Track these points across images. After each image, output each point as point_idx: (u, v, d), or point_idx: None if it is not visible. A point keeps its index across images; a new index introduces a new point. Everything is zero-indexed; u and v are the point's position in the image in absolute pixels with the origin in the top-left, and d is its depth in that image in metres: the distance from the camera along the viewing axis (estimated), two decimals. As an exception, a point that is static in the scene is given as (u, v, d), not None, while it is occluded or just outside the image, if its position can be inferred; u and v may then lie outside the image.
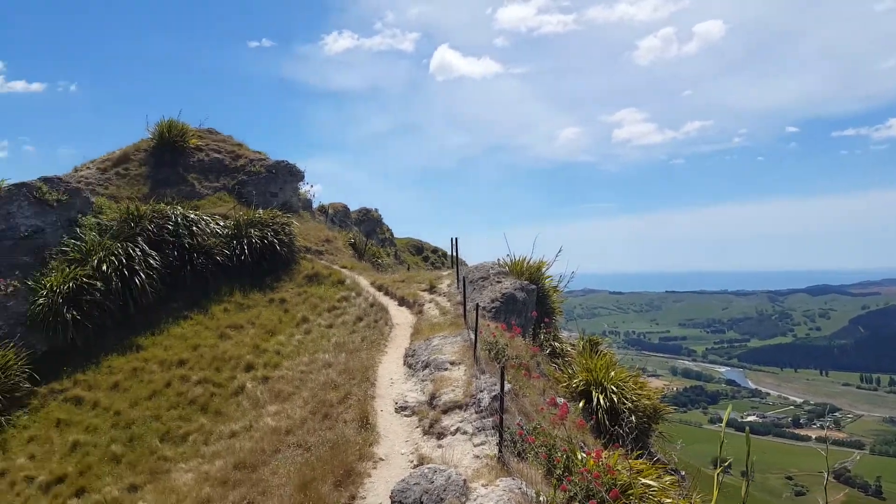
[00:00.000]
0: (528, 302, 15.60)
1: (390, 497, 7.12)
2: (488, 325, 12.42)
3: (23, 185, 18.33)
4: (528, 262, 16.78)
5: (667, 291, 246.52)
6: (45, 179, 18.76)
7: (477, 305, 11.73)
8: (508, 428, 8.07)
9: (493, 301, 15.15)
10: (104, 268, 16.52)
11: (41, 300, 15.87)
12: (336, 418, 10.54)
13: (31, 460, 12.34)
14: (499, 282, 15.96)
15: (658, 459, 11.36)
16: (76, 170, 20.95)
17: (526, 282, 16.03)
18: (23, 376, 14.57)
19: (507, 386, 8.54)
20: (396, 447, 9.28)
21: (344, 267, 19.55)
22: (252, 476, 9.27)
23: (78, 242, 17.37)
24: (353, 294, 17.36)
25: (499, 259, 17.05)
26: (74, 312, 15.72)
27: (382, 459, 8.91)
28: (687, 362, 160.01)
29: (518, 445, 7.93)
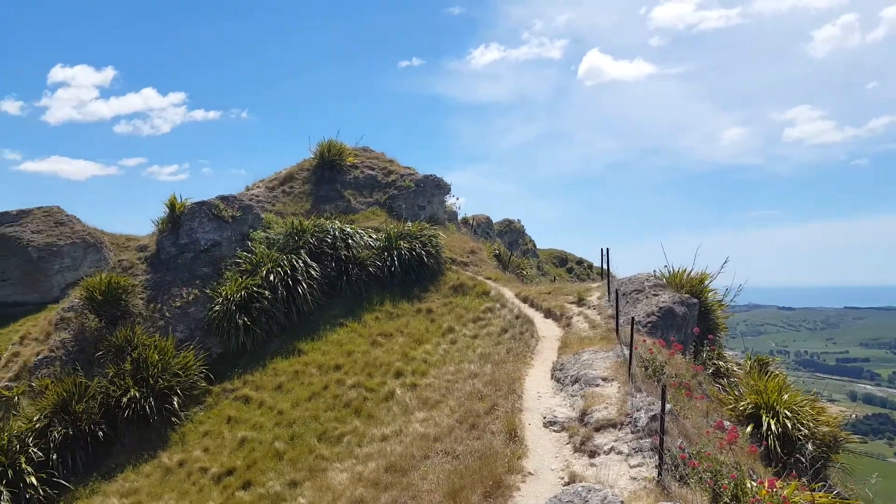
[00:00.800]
0: (689, 317, 14.59)
1: (541, 512, 6.89)
2: (644, 341, 11.76)
3: (203, 203, 20.41)
4: (689, 275, 15.71)
5: (846, 307, 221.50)
6: (222, 198, 20.76)
7: (632, 319, 11.13)
8: (669, 450, 7.55)
9: (648, 315, 14.33)
10: (271, 278, 17.86)
11: (217, 307, 17.47)
12: (483, 429, 10.46)
13: (205, 453, 13.54)
14: (655, 295, 15.09)
15: (838, 494, 10.05)
16: (248, 188, 23.01)
17: (686, 295, 15.00)
18: (200, 376, 16.10)
19: (668, 406, 7.98)
20: (545, 462, 9.01)
21: (488, 278, 19.58)
22: (402, 480, 9.41)
23: (249, 255, 18.96)
24: (498, 305, 17.28)
25: (654, 270, 16.13)
26: (245, 318, 17.13)
27: (531, 474, 8.69)
28: (869, 387, 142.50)
29: (680, 469, 7.42)
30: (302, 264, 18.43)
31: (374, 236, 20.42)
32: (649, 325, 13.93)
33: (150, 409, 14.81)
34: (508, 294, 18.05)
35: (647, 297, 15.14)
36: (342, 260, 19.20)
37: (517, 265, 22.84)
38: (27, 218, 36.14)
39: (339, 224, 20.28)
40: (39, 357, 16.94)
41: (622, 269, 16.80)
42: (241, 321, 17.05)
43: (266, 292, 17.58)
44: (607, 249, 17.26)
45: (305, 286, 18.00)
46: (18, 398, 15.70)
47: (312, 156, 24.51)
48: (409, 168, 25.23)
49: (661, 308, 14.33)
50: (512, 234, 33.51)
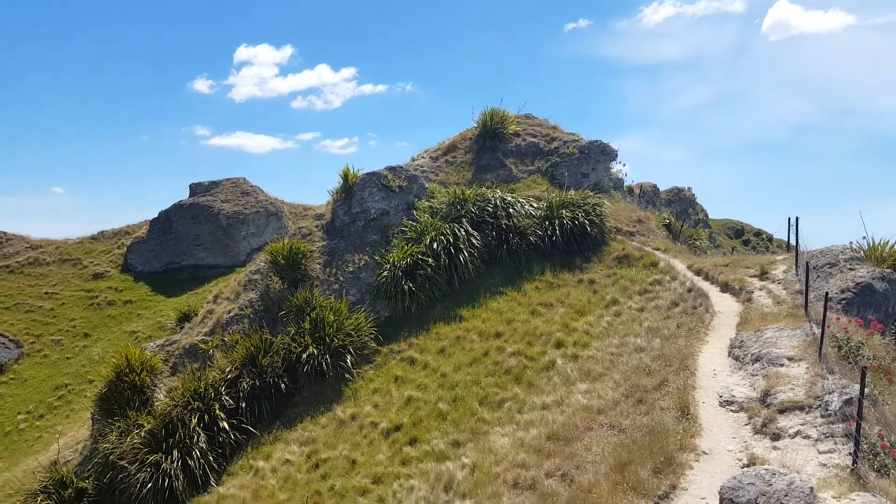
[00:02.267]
0: (891, 294, 12.72)
1: (719, 493, 6.35)
2: (837, 319, 10.43)
3: (373, 174, 21.32)
4: (892, 247, 13.66)
5: None
6: (390, 169, 21.54)
7: (825, 295, 9.88)
8: (866, 437, 6.65)
9: (842, 291, 12.70)
10: (435, 246, 18.28)
11: (385, 273, 18.24)
12: (652, 404, 9.89)
13: (375, 409, 14.23)
14: (851, 269, 13.33)
15: None
16: (413, 159, 23.69)
17: (888, 270, 13.09)
18: (370, 337, 16.95)
19: (866, 390, 7.00)
20: (721, 443, 8.33)
21: (657, 249, 18.47)
22: (565, 449, 9.18)
23: (414, 223, 19.54)
24: (668, 278, 16.25)
25: (851, 242, 14.22)
26: (410, 284, 17.72)
27: (706, 453, 8.07)
28: None
29: (879, 458, 6.55)
30: (463, 233, 18.63)
31: (535, 205, 20.10)
32: (843, 302, 12.37)
33: (325, 365, 15.88)
34: (679, 266, 16.91)
35: (841, 272, 13.43)
36: (502, 229, 19.13)
37: (689, 236, 21.32)
38: (217, 189, 40.46)
39: (499, 193, 20.21)
40: (230, 314, 18.74)
41: (809, 241, 14.94)
42: (406, 287, 17.66)
43: (429, 259, 18.02)
44: (796, 219, 15.50)
45: (466, 254, 18.19)
46: (213, 351, 17.52)
47: (475, 125, 24.61)
48: (572, 134, 24.46)
49: (857, 284, 12.66)
50: (681, 202, 31.47)
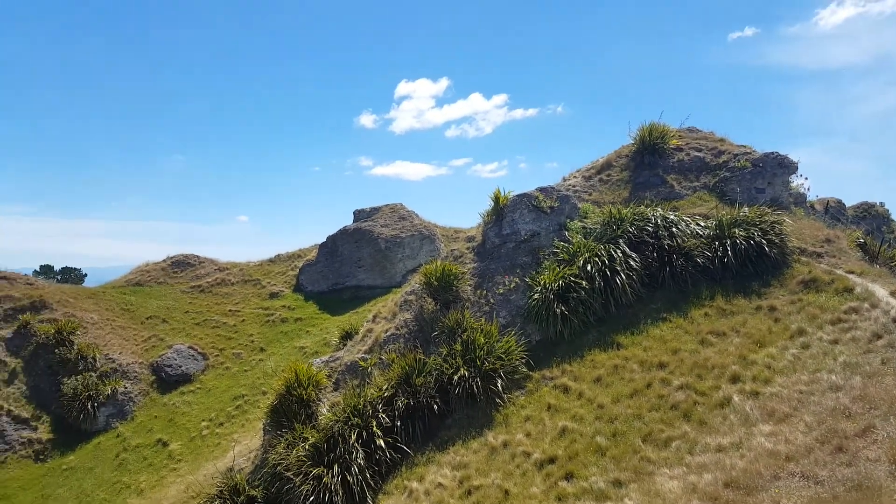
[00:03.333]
0: None
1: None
2: None
3: (523, 195, 20.96)
4: None
5: None
6: (541, 189, 21.05)
7: None
8: None
9: None
10: (588, 268, 17.42)
11: (536, 295, 17.68)
12: (855, 454, 8.41)
13: (527, 437, 13.66)
14: None
15: None
16: (564, 179, 22.99)
17: None
18: (521, 361, 16.43)
19: None
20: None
21: (850, 272, 16.11)
22: (747, 500, 8.02)
23: (566, 244, 18.83)
24: (867, 305, 14.05)
25: None
26: (563, 307, 17.00)
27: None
28: None
29: None
30: (620, 254, 17.58)
31: (702, 224, 18.49)
32: None
33: (476, 388, 15.62)
34: (880, 292, 14.59)
35: None
36: (664, 250, 17.79)
37: (889, 257, 18.43)
38: (377, 214, 42.42)
39: (660, 211, 18.87)
40: (387, 334, 19.19)
41: None
42: (558, 310, 16.97)
43: (583, 282, 17.20)
44: None
45: (624, 277, 17.11)
46: (371, 369, 18.00)
47: (632, 141, 23.38)
48: (743, 146, 22.34)
49: None
50: (873, 220, 27.59)
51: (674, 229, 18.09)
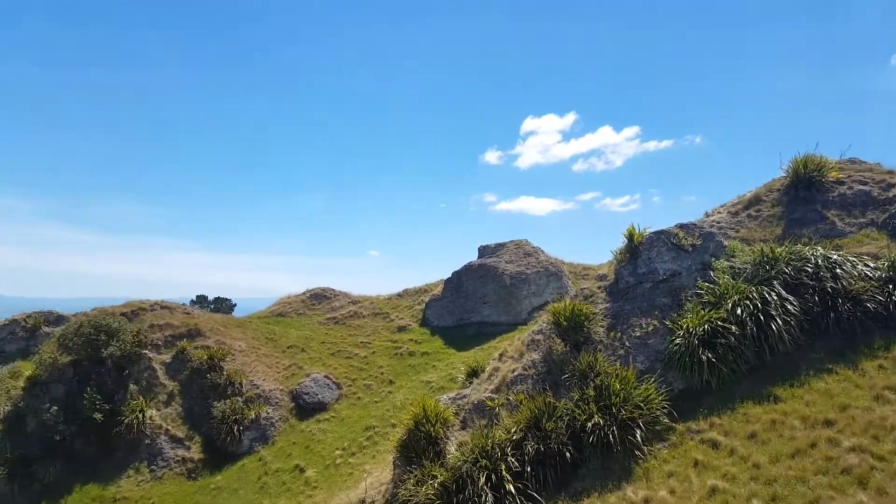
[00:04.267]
0: None
1: None
2: None
3: (661, 232, 19.92)
4: None
5: None
6: (681, 226, 19.91)
7: None
8: None
9: None
10: (738, 311, 16.10)
11: (678, 340, 16.57)
12: None
13: (671, 495, 12.63)
14: None
15: None
16: (707, 215, 21.63)
17: None
18: (662, 411, 15.35)
19: None
20: None
21: None
22: None
23: (711, 286, 17.57)
24: None
25: None
26: (709, 354, 15.78)
27: None
28: None
29: None
30: (775, 297, 16.10)
31: (871, 265, 16.55)
32: None
33: (613, 438, 14.77)
34: None
35: None
36: (827, 293, 16.06)
37: None
38: (502, 250, 42.27)
39: (821, 250, 17.13)
40: (514, 374, 18.78)
41: None
42: (704, 357, 15.77)
43: (732, 327, 15.89)
44: None
45: (780, 322, 15.61)
46: (499, 409, 17.63)
47: (784, 174, 21.60)
48: (919, 178, 19.91)
49: None
50: None
51: (838, 270, 16.33)
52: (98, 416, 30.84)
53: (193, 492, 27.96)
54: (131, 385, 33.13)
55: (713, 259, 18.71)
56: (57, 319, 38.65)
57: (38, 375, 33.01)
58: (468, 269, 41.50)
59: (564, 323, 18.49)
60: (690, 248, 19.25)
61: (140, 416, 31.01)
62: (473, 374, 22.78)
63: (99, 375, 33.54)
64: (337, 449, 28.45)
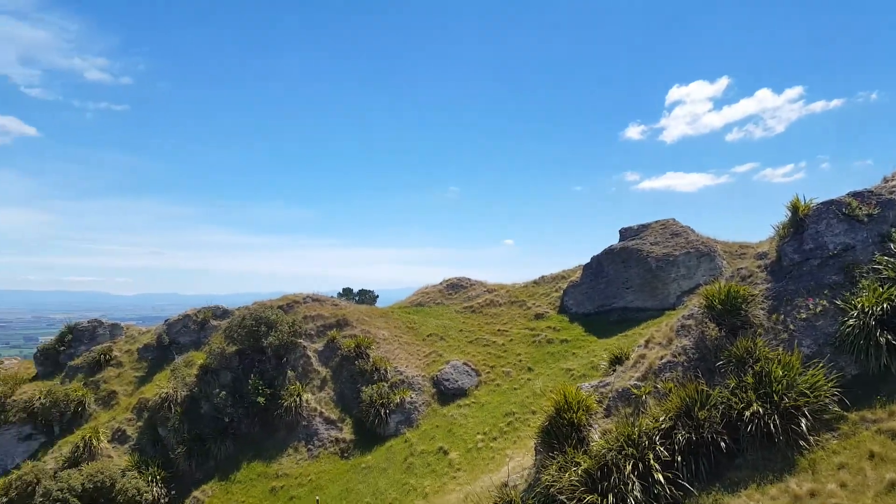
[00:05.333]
0: None
1: None
2: None
3: (831, 202, 17.97)
4: None
5: None
6: (855, 194, 17.84)
7: None
8: None
9: None
10: (923, 288, 14.17)
11: (851, 321, 14.92)
12: None
13: (841, 488, 11.50)
14: None
15: None
16: (886, 180, 19.11)
17: None
18: (831, 399, 13.94)
19: None
20: None
21: None
22: None
23: (892, 259, 15.60)
24: None
25: None
26: (889, 336, 14.05)
27: None
28: None
29: None
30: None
31: None
32: None
33: (774, 427, 13.62)
34: None
35: None
36: None
37: None
38: (646, 231, 40.32)
39: None
40: (662, 361, 17.88)
41: None
42: (882, 339, 14.06)
43: (917, 306, 14.01)
44: None
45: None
46: (645, 397, 16.90)
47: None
48: None
49: None
50: None
51: None
52: (261, 399, 33.65)
53: (346, 470, 29.66)
54: (289, 371, 35.77)
55: (894, 230, 16.59)
56: (223, 313, 42.61)
57: (209, 364, 36.63)
58: (609, 252, 40.16)
59: (719, 306, 17.31)
60: (866, 219, 17.19)
61: (297, 399, 33.43)
62: (617, 361, 22.04)
63: (260, 363, 36.58)
64: (478, 433, 28.83)
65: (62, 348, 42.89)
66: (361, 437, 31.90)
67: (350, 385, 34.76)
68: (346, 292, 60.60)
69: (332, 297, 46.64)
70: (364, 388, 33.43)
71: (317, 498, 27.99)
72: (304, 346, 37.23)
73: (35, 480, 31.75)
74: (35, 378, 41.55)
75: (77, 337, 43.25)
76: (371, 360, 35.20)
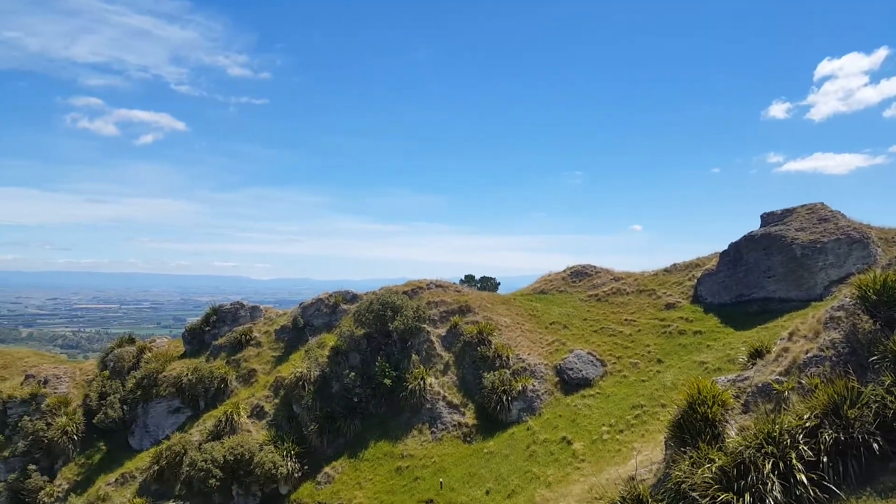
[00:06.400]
0: None
1: None
2: None
3: None
4: None
5: None
6: None
7: None
8: None
9: None
10: None
11: None
12: None
13: None
14: None
15: None
16: None
17: None
18: None
19: None
20: None
21: None
22: None
23: None
24: None
25: None
26: None
27: None
28: None
29: None
30: None
31: None
32: None
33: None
34: None
35: None
36: None
37: None
38: (790, 217, 37.26)
39: None
40: (808, 355, 16.55)
41: None
42: None
43: None
44: None
45: None
46: (788, 393, 15.73)
47: None
48: None
49: None
50: None
51: None
52: (387, 381, 34.99)
53: (469, 454, 30.16)
54: (413, 355, 36.88)
55: None
56: (352, 298, 44.66)
57: (339, 345, 38.58)
58: (749, 239, 37.60)
59: (874, 297, 15.71)
60: None
61: (421, 382, 34.40)
62: (757, 354, 20.69)
63: (386, 346, 38.00)
64: (603, 425, 28.18)
65: (207, 328, 46.97)
66: (483, 422, 32.26)
67: (472, 370, 35.23)
68: (468, 279, 61.34)
69: (454, 283, 47.41)
70: (486, 374, 33.75)
71: (440, 480, 28.70)
72: (428, 331, 38.18)
73: (183, 451, 35.20)
74: (183, 356, 45.87)
75: (221, 318, 47.13)
76: (493, 346, 35.43)
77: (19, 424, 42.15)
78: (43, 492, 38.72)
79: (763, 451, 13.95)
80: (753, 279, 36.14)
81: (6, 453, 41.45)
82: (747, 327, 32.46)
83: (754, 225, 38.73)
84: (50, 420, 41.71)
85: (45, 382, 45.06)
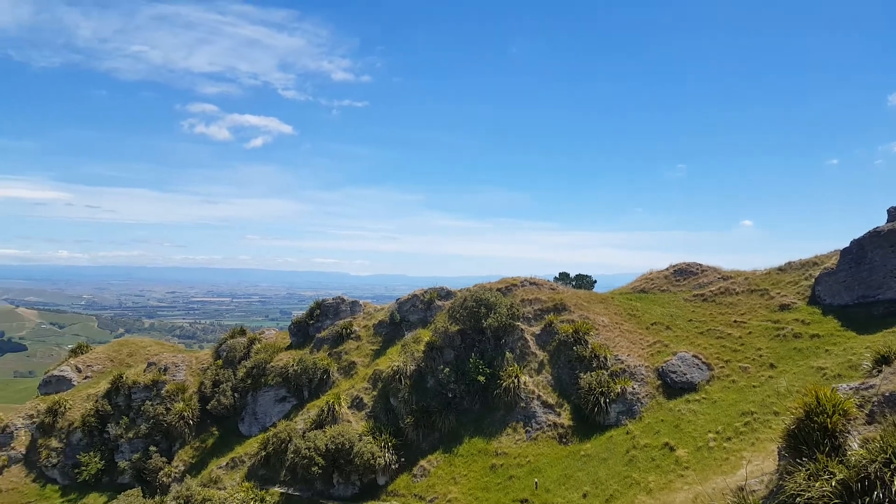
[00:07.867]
0: None
1: None
2: None
3: None
4: None
5: None
6: None
7: None
8: None
9: None
10: None
11: None
12: None
13: None
14: None
15: None
16: None
17: None
18: None
19: None
20: None
21: None
22: None
23: None
24: None
25: None
26: None
27: None
28: None
29: None
30: None
31: None
32: None
33: None
34: None
35: None
36: None
37: None
38: (929, 211, 33.65)
39: None
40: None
41: None
42: None
43: None
44: None
45: None
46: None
47: None
48: None
49: None
50: None
51: None
52: (481, 378, 34.88)
53: (564, 455, 29.47)
54: (507, 353, 36.56)
55: None
56: (446, 294, 44.92)
57: (434, 341, 38.90)
58: (875, 235, 34.39)
59: None
60: None
61: (515, 381, 34.03)
62: (884, 360, 18.77)
63: (480, 343, 37.90)
64: (709, 432, 26.67)
65: (311, 322, 48.87)
66: (579, 423, 31.44)
67: (567, 370, 34.43)
68: (563, 276, 60.07)
69: (548, 280, 46.57)
70: (582, 374, 32.88)
71: (535, 480, 28.23)
72: (522, 329, 37.71)
73: (288, 438, 36.71)
74: (289, 347, 47.92)
75: (323, 312, 48.89)
76: (590, 346, 34.47)
77: (142, 408, 45.70)
78: (162, 472, 41.73)
79: (892, 465, 12.59)
80: (879, 279, 33.00)
81: (131, 434, 45.06)
82: (871, 331, 29.69)
83: (879, 220, 35.35)
84: (169, 405, 44.89)
85: (165, 370, 48.56)
